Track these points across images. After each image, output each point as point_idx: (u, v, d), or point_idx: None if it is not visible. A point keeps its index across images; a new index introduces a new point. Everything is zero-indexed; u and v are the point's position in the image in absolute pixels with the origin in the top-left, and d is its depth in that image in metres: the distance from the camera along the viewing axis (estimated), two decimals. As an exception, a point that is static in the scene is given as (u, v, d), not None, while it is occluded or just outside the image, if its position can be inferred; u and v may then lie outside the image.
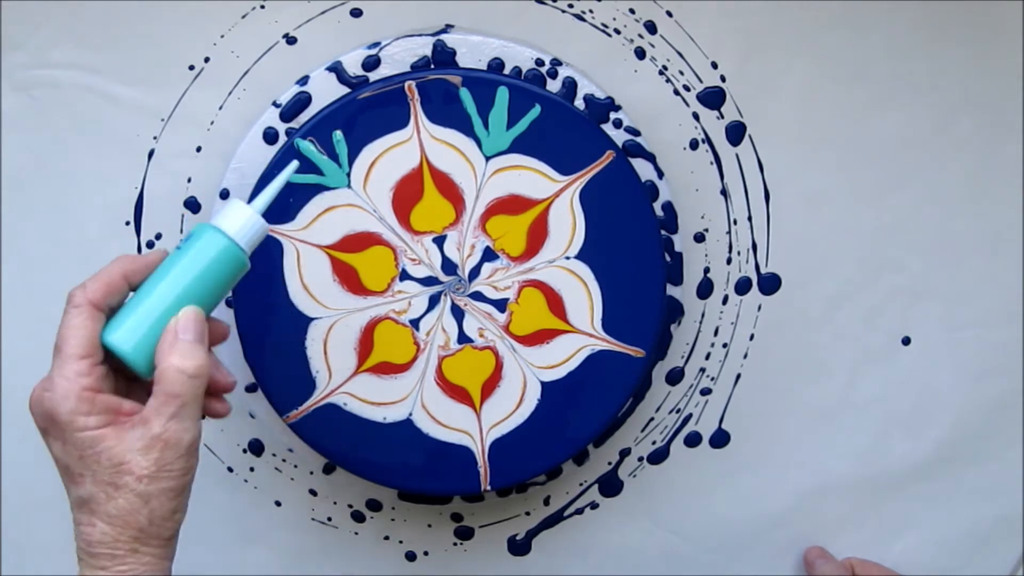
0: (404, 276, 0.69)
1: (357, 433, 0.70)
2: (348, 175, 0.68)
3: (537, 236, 0.69)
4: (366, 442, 0.70)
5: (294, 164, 0.60)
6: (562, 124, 0.68)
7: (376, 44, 0.70)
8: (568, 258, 0.69)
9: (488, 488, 0.71)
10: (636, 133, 0.71)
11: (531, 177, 0.68)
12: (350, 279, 0.69)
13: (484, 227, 0.69)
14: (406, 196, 0.68)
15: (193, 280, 0.55)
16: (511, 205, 0.69)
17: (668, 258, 0.72)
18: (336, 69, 0.70)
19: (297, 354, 0.69)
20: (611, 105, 0.71)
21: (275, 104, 0.70)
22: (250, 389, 0.72)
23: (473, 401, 0.70)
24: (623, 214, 0.69)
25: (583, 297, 0.70)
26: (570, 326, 0.70)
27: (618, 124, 0.71)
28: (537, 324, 0.70)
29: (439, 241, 0.69)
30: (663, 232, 0.72)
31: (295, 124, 0.70)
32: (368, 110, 0.68)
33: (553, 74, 0.70)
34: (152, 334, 0.55)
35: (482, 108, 0.68)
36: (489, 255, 0.69)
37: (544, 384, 0.70)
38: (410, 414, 0.70)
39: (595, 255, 0.69)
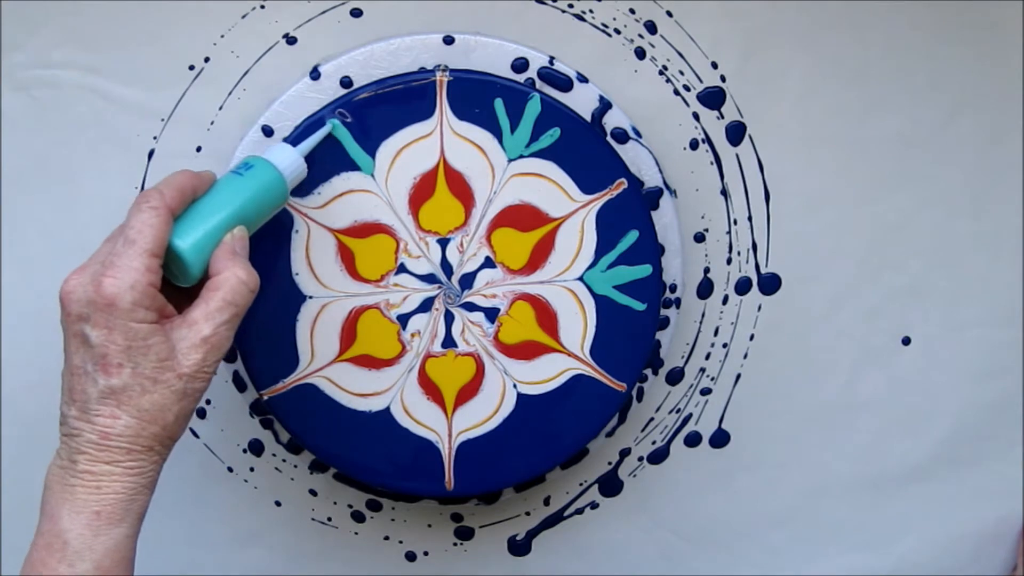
0: (401, 271, 0.69)
1: (331, 419, 0.70)
2: (373, 161, 0.67)
3: (541, 253, 0.69)
4: (338, 429, 0.70)
5: (332, 124, 0.67)
6: (587, 145, 0.68)
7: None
8: (570, 279, 0.69)
9: (451, 489, 0.71)
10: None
11: (549, 189, 0.68)
12: (348, 263, 0.69)
13: (489, 236, 0.69)
14: (422, 192, 0.68)
15: (245, 202, 0.61)
16: (522, 217, 0.68)
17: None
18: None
19: (286, 331, 0.69)
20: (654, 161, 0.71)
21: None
22: (229, 359, 0.72)
23: (446, 404, 0.70)
24: (631, 245, 0.69)
25: (578, 319, 0.70)
26: (560, 345, 0.70)
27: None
28: (524, 336, 0.70)
29: (442, 242, 0.69)
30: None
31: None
32: (396, 99, 0.67)
33: (605, 105, 0.70)
34: (207, 244, 0.59)
35: (513, 116, 0.67)
36: (489, 264, 0.69)
37: (520, 396, 0.70)
38: (387, 408, 0.70)
39: (598, 281, 0.69)
